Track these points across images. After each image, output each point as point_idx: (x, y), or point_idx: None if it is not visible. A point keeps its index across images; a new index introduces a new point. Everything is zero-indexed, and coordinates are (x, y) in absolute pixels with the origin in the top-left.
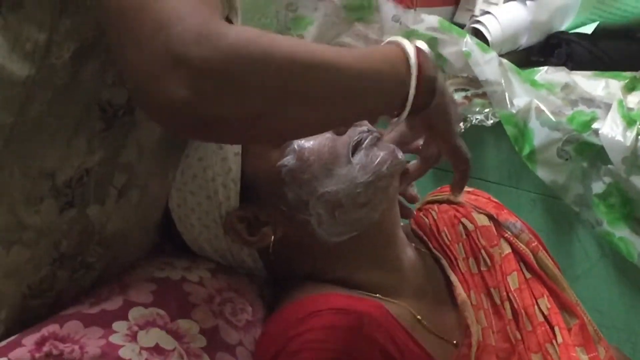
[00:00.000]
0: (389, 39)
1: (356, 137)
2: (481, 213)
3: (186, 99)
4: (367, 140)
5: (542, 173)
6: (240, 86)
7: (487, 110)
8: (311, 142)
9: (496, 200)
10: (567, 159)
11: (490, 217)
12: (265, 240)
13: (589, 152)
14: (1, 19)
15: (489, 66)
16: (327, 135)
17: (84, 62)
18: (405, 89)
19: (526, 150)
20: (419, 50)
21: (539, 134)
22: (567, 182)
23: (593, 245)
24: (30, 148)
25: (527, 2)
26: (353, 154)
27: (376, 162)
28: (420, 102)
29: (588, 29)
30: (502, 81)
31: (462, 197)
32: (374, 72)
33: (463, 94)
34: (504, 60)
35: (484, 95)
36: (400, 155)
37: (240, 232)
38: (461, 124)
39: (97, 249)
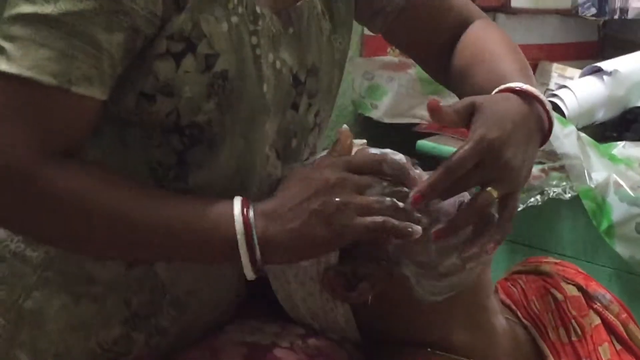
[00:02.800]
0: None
1: (458, 202)
2: (570, 284)
3: None
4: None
5: (621, 248)
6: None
7: (564, 183)
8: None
9: (584, 272)
10: None
11: (580, 287)
12: (363, 295)
13: None
14: None
15: (568, 140)
16: None
17: (128, 129)
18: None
19: (604, 225)
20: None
21: (617, 209)
22: None
23: None
24: None
25: (605, 77)
26: None
27: None
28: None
29: None
30: (581, 155)
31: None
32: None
33: (540, 167)
34: (582, 134)
35: (561, 168)
36: None
37: (338, 288)
38: (538, 197)
39: (170, 311)
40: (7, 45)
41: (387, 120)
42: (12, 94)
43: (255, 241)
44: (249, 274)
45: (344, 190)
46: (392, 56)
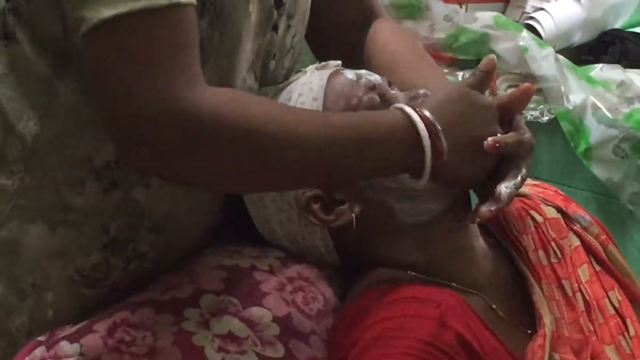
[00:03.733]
0: (394, 106)
1: None
2: (549, 205)
3: (155, 168)
4: None
5: (598, 170)
6: (205, 160)
7: (541, 106)
8: None
9: (564, 194)
10: (623, 157)
11: (559, 209)
12: (341, 218)
13: None
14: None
15: (546, 62)
16: None
17: None
18: (418, 158)
19: (582, 147)
20: (425, 119)
21: (595, 131)
22: (623, 180)
23: None
24: (63, 134)
25: None
26: None
27: None
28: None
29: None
30: (559, 77)
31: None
32: (370, 144)
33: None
34: (560, 57)
35: (538, 91)
36: None
37: (316, 212)
38: None
39: (148, 235)
40: None
41: None
42: (131, 35)
43: (441, 146)
44: (424, 181)
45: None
46: None
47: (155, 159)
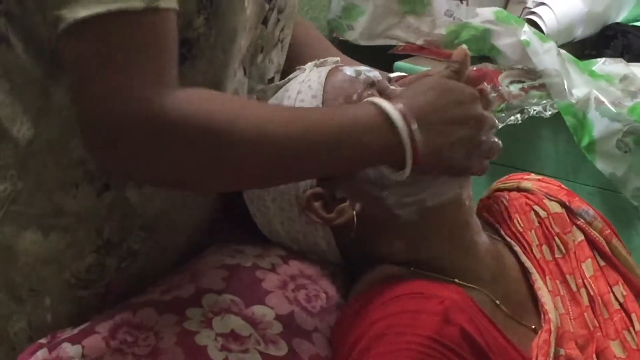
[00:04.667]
0: (368, 100)
1: None
2: (553, 200)
3: (124, 170)
4: None
5: (601, 165)
6: (174, 162)
7: (544, 101)
8: None
9: (567, 188)
10: (626, 152)
11: (563, 204)
12: (343, 216)
13: None
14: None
15: (548, 55)
16: None
17: None
18: (397, 150)
19: (585, 141)
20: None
21: (598, 125)
22: (626, 174)
23: None
24: (58, 137)
25: None
26: None
27: None
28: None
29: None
30: (562, 71)
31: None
32: (344, 139)
33: (519, 85)
34: (562, 51)
35: (540, 87)
36: None
37: (318, 210)
38: (518, 116)
39: (140, 233)
40: None
41: (363, 43)
42: (106, 35)
43: (417, 136)
44: (408, 171)
45: (487, 132)
46: None
47: (125, 161)
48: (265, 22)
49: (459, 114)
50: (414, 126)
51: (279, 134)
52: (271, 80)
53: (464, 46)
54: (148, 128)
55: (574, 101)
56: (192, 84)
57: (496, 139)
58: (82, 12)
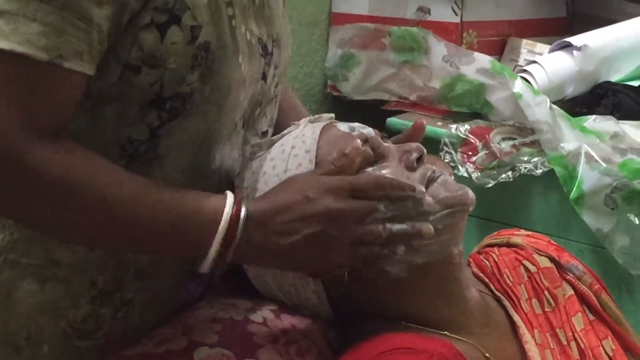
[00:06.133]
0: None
1: (429, 173)
2: (542, 255)
3: None
4: (440, 176)
5: (589, 219)
6: (19, 203)
7: (535, 159)
8: (386, 171)
9: (556, 244)
10: (613, 209)
11: (552, 259)
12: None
13: (638, 202)
14: None
15: (540, 108)
16: (401, 167)
17: (103, 107)
18: (204, 249)
19: (575, 194)
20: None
21: (588, 178)
22: (613, 232)
23: None
24: None
25: (574, 52)
26: (427, 187)
27: (452, 196)
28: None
29: (635, 82)
30: (553, 124)
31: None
32: (167, 224)
33: (511, 142)
34: (554, 106)
35: (532, 144)
36: (471, 194)
37: None
38: (510, 173)
39: (134, 282)
40: None
41: (356, 97)
42: (2, 69)
43: (235, 243)
44: (205, 269)
45: (343, 224)
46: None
47: None
48: (264, 77)
49: (303, 212)
50: (239, 226)
51: (126, 205)
52: (265, 133)
53: (357, 142)
54: (1, 162)
55: (565, 153)
56: (185, 136)
57: (378, 227)
58: None
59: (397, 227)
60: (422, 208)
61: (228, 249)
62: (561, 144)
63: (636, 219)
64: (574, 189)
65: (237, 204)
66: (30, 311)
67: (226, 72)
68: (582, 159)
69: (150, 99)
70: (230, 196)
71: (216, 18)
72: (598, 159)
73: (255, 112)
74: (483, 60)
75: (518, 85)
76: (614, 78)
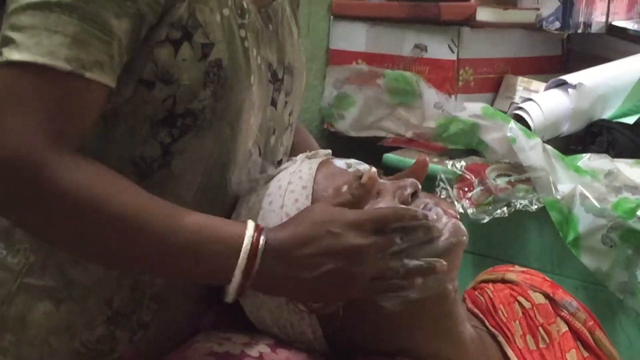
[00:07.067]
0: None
1: (422, 206)
2: (537, 292)
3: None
4: (432, 209)
5: (587, 260)
6: (38, 216)
7: (530, 195)
8: (381, 205)
9: (551, 280)
10: (611, 246)
11: (547, 295)
12: (328, 305)
13: (635, 239)
14: None
15: (534, 152)
16: (394, 202)
17: (114, 125)
18: (228, 276)
19: (571, 237)
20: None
21: (583, 221)
22: (612, 269)
23: (637, 333)
24: None
25: (569, 90)
26: None
27: (448, 231)
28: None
29: (630, 120)
30: (547, 167)
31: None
32: (192, 249)
33: (506, 179)
34: (548, 147)
35: (527, 180)
36: (463, 228)
37: None
38: (504, 209)
39: (151, 305)
40: (16, 35)
41: (353, 134)
42: (26, 82)
43: (254, 273)
44: (229, 299)
45: (365, 260)
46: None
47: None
48: (274, 103)
49: (327, 247)
50: (259, 256)
51: (147, 226)
52: (280, 162)
53: (373, 170)
54: (23, 174)
55: (559, 197)
56: (198, 155)
57: (397, 263)
58: (17, 55)
59: (413, 263)
60: (431, 235)
61: (248, 279)
62: (556, 187)
63: (634, 254)
64: (570, 232)
65: (257, 233)
66: (45, 333)
67: (238, 91)
68: (577, 201)
69: (162, 116)
70: (250, 225)
71: (229, 37)
72: (592, 199)
73: (271, 141)
74: (474, 108)
75: (512, 129)
76: (607, 115)
